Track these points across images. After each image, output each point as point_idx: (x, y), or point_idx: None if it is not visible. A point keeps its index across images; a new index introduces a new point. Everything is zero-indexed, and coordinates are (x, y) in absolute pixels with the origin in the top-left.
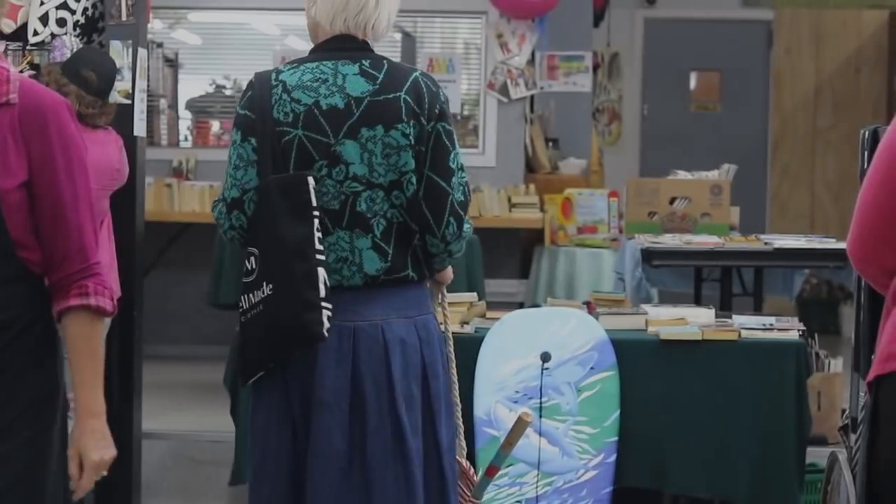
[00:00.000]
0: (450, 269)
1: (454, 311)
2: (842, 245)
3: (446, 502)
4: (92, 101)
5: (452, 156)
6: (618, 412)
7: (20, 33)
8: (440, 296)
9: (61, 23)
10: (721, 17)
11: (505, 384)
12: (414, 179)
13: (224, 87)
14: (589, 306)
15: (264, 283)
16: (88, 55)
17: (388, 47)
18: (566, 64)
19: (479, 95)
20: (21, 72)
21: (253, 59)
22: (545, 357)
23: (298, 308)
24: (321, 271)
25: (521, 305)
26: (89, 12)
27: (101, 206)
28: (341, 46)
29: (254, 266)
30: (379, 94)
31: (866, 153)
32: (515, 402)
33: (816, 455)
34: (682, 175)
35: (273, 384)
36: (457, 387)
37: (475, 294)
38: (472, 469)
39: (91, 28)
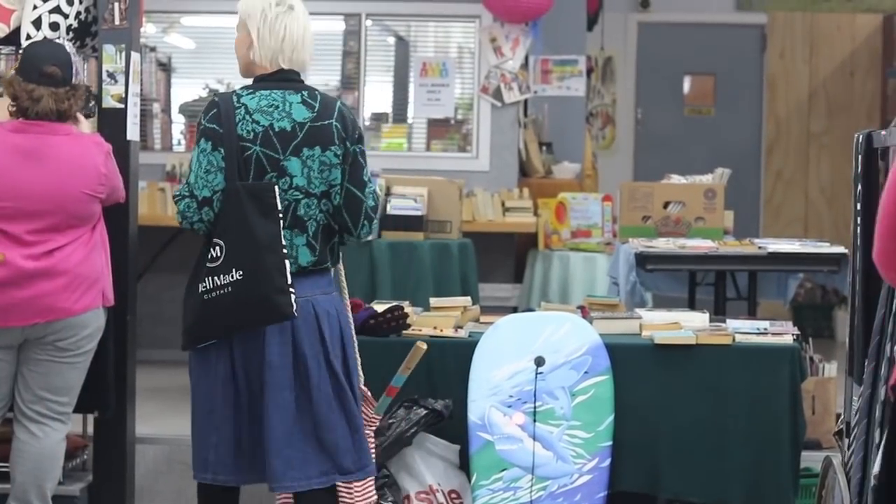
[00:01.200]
0: None
1: (449, 315)
2: (836, 249)
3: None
4: (64, 93)
5: (365, 171)
6: (612, 417)
7: (13, 37)
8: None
9: (54, 27)
10: (715, 21)
11: (499, 389)
12: (339, 191)
13: (217, 91)
14: (583, 310)
15: (233, 270)
16: (40, 52)
17: (383, 52)
18: (560, 68)
19: (472, 99)
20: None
21: None
22: (539, 361)
23: (270, 291)
24: (287, 262)
25: (515, 310)
26: (82, 16)
27: (90, 210)
28: (285, 79)
29: (219, 255)
30: (316, 121)
31: (860, 157)
32: (509, 406)
33: (811, 459)
34: (676, 179)
35: (220, 352)
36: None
37: (469, 298)
38: (370, 392)
39: (84, 32)
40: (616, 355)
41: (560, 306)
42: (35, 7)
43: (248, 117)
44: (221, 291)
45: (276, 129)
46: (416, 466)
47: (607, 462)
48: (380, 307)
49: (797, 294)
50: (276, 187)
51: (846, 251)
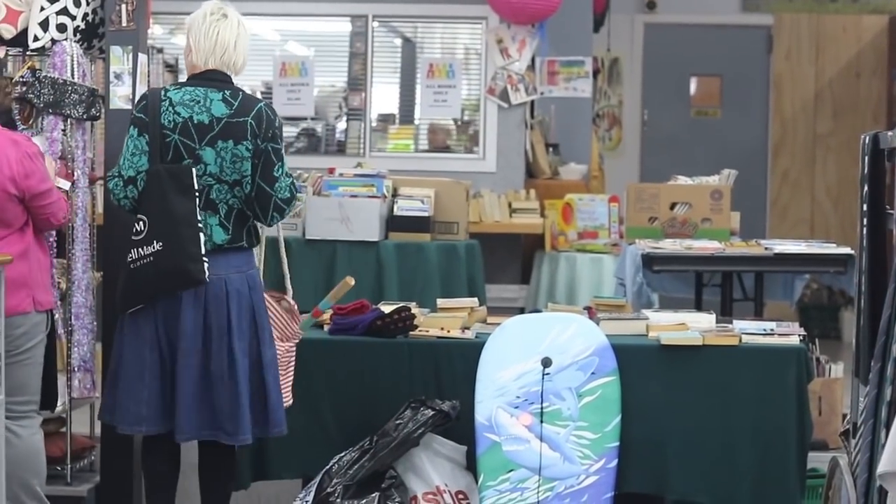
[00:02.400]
0: None
1: (455, 315)
2: (842, 250)
3: (266, 401)
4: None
5: (277, 167)
6: (619, 417)
7: (20, 39)
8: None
9: (62, 28)
10: (721, 22)
11: (506, 389)
12: (250, 181)
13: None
14: (590, 311)
15: (154, 241)
16: None
17: (390, 53)
18: (566, 69)
19: (479, 101)
20: (21, 77)
21: (253, 65)
22: (546, 362)
23: (186, 260)
24: (202, 235)
25: (521, 311)
26: (90, 18)
27: (9, 211)
28: (211, 78)
29: (142, 228)
30: (233, 117)
31: (867, 158)
32: (516, 407)
33: (817, 460)
34: (683, 180)
35: (146, 320)
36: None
37: (476, 299)
38: (297, 309)
39: (91, 34)
40: (623, 356)
41: (567, 307)
42: (42, 9)
43: (171, 109)
44: (145, 261)
45: (195, 122)
46: (423, 467)
47: (614, 463)
48: (387, 308)
49: (803, 295)
50: (193, 169)
51: (852, 252)
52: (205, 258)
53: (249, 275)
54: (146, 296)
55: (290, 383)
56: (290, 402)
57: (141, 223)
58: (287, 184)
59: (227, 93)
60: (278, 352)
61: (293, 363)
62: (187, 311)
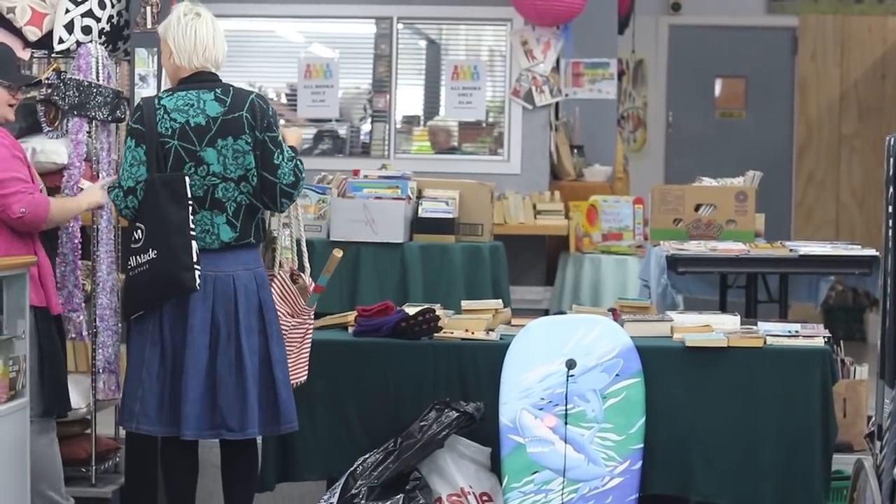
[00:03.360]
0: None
1: (480, 317)
2: (867, 251)
3: (276, 398)
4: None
5: (276, 154)
6: (643, 419)
7: (45, 41)
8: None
9: (86, 31)
10: (746, 24)
11: (530, 391)
12: (256, 173)
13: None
14: (614, 313)
15: (150, 249)
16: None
17: (414, 55)
18: (591, 71)
19: (503, 103)
20: (46, 79)
21: (278, 67)
22: (570, 364)
23: (178, 268)
24: (194, 244)
25: (546, 312)
26: (114, 20)
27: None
28: (200, 79)
29: (140, 237)
30: (228, 114)
31: (892, 159)
32: (541, 408)
33: (842, 462)
34: (708, 182)
35: (151, 319)
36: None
37: (500, 301)
38: (314, 285)
39: (116, 36)
40: (647, 358)
41: (591, 309)
42: (67, 11)
43: (166, 116)
44: (141, 269)
45: (192, 125)
46: (447, 469)
47: (638, 465)
48: (411, 310)
49: (828, 296)
50: (187, 178)
51: (877, 254)
52: (197, 266)
53: (258, 272)
54: (145, 302)
55: (306, 359)
56: (304, 378)
57: (139, 231)
58: (290, 168)
59: (219, 91)
60: (285, 327)
61: (308, 340)
62: (195, 307)
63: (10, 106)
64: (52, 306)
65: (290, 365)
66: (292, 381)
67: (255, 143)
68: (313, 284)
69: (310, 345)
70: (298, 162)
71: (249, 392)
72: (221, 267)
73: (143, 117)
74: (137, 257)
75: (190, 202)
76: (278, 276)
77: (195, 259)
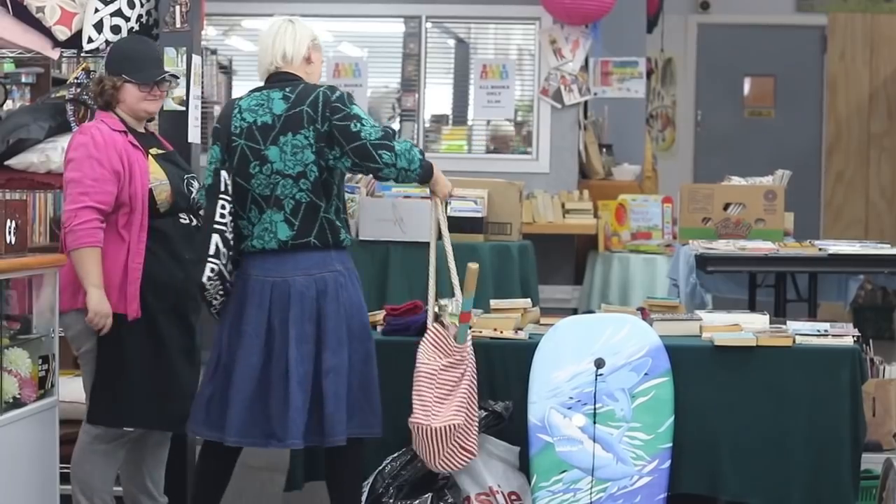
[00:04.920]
0: (444, 184)
1: (509, 316)
2: None
3: (322, 410)
4: None
5: (353, 124)
6: (672, 418)
7: (75, 40)
8: (440, 207)
9: (116, 30)
10: (775, 23)
11: (559, 390)
12: (315, 169)
13: None
14: (643, 312)
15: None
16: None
17: (443, 54)
18: (620, 70)
19: (532, 101)
20: (76, 78)
21: None
22: (599, 363)
23: (196, 262)
24: (215, 237)
25: (575, 311)
26: (144, 19)
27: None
28: (273, 79)
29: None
30: (290, 110)
31: None
32: (569, 408)
33: (871, 461)
34: (736, 181)
35: (221, 324)
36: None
37: (529, 300)
38: (452, 324)
39: (146, 35)
40: (676, 357)
41: (620, 308)
42: (97, 10)
43: (239, 115)
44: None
45: (259, 124)
46: (475, 468)
47: (667, 464)
48: None
49: (858, 296)
50: (224, 172)
51: None
52: (212, 260)
53: (320, 278)
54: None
55: (462, 403)
56: (457, 421)
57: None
58: (375, 127)
59: (288, 89)
60: (433, 369)
61: (467, 383)
62: (251, 312)
63: (149, 101)
64: (129, 311)
65: (435, 405)
66: (441, 424)
67: (316, 136)
68: (457, 314)
69: (468, 388)
70: (390, 130)
71: (292, 402)
72: (279, 272)
73: (221, 117)
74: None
75: (224, 196)
76: (430, 328)
77: (211, 252)
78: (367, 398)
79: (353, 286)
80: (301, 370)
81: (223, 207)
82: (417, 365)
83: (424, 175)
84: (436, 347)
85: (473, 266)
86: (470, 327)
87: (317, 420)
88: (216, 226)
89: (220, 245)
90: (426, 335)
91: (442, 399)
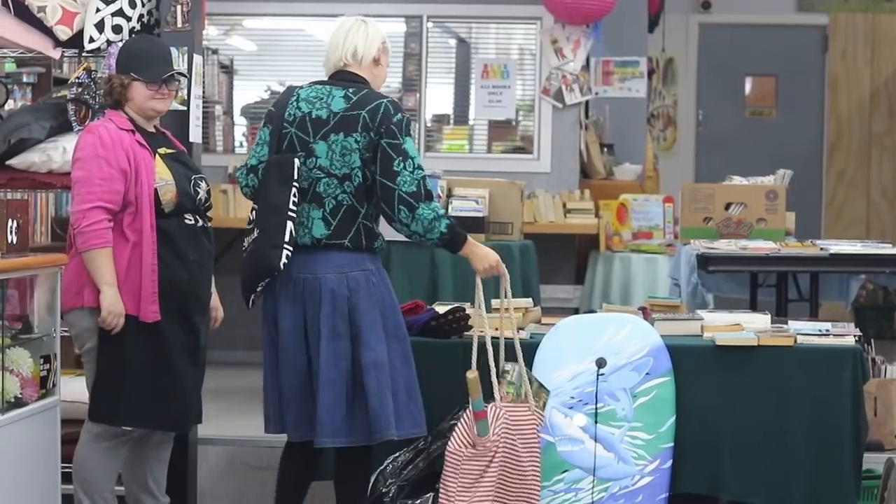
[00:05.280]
0: (481, 256)
1: (510, 316)
2: None
3: (367, 406)
4: None
5: (397, 161)
6: (673, 418)
7: (76, 40)
8: (480, 288)
9: (117, 29)
10: (776, 22)
11: (560, 390)
12: (360, 174)
13: (279, 93)
14: (644, 312)
15: (255, 230)
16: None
17: (444, 54)
18: (621, 69)
19: (533, 101)
20: (77, 78)
21: (307, 66)
22: (600, 363)
23: (268, 247)
24: (290, 224)
25: (576, 311)
26: (145, 19)
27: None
28: (339, 77)
29: (252, 217)
30: (348, 111)
31: None
32: (571, 407)
33: (873, 461)
34: (738, 180)
35: (265, 317)
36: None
37: (530, 300)
38: (507, 394)
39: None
40: (677, 357)
41: (621, 308)
42: (98, 10)
43: (295, 104)
44: (248, 248)
45: (313, 117)
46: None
47: (668, 464)
48: (441, 308)
49: (859, 295)
50: (296, 160)
51: None
52: (287, 246)
53: (352, 276)
54: (244, 285)
55: (487, 493)
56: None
57: (253, 212)
58: (414, 177)
59: (351, 90)
60: (458, 458)
61: (492, 476)
62: (285, 310)
63: (157, 99)
64: (144, 314)
65: (458, 494)
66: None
67: (366, 144)
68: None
69: (496, 478)
70: (426, 178)
71: (320, 399)
72: (310, 269)
73: (278, 101)
74: (248, 238)
75: (295, 184)
76: (461, 418)
77: (287, 239)
78: (415, 403)
79: (385, 286)
80: (334, 368)
81: (294, 195)
82: (445, 452)
83: (451, 246)
84: (462, 436)
85: (472, 375)
86: (488, 423)
87: (362, 417)
88: (290, 213)
89: (293, 232)
90: (459, 423)
91: (465, 488)
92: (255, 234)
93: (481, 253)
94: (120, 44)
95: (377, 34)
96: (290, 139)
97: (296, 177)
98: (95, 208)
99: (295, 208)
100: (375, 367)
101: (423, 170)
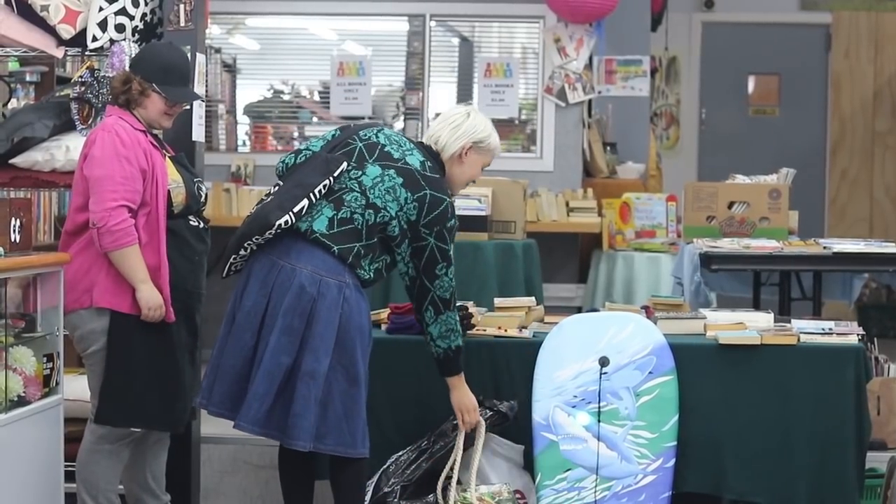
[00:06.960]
0: (463, 394)
1: (513, 315)
2: None
3: (289, 410)
4: None
5: (440, 267)
6: (676, 417)
7: (79, 39)
8: (462, 433)
9: (120, 28)
10: (779, 21)
11: (563, 389)
12: (384, 217)
13: (282, 92)
14: (647, 311)
15: (269, 196)
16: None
17: (447, 53)
18: (624, 68)
19: (536, 100)
20: (80, 77)
21: (310, 65)
22: (603, 361)
23: (274, 207)
24: (305, 201)
25: (579, 310)
26: (148, 18)
27: None
28: (427, 148)
29: (270, 192)
30: (417, 174)
31: None
32: (574, 406)
33: (876, 460)
34: (741, 179)
35: (235, 292)
36: None
37: (533, 298)
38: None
39: (149, 33)
40: (680, 355)
41: (624, 306)
42: (101, 9)
43: (376, 132)
44: (254, 209)
45: (385, 150)
46: (480, 467)
47: (671, 462)
48: None
49: (862, 294)
50: (345, 163)
51: None
52: (293, 213)
53: (325, 282)
54: (238, 238)
55: None
56: None
57: (273, 188)
58: (451, 285)
59: (429, 164)
60: None
61: None
62: (252, 289)
63: (167, 116)
64: (166, 317)
65: None
66: None
67: (410, 212)
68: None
69: None
70: (455, 302)
71: (254, 386)
72: (292, 259)
73: (360, 124)
74: (256, 206)
75: (331, 179)
76: None
77: (295, 210)
78: (348, 422)
79: (357, 307)
80: (276, 361)
81: (324, 186)
82: None
83: (448, 366)
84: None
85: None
86: None
87: (281, 415)
88: (311, 195)
89: (304, 210)
90: None
91: None
92: (268, 199)
93: (465, 392)
94: (124, 43)
95: (469, 132)
96: (350, 150)
97: (335, 174)
98: (120, 207)
99: (317, 195)
100: (311, 376)
101: (454, 279)
